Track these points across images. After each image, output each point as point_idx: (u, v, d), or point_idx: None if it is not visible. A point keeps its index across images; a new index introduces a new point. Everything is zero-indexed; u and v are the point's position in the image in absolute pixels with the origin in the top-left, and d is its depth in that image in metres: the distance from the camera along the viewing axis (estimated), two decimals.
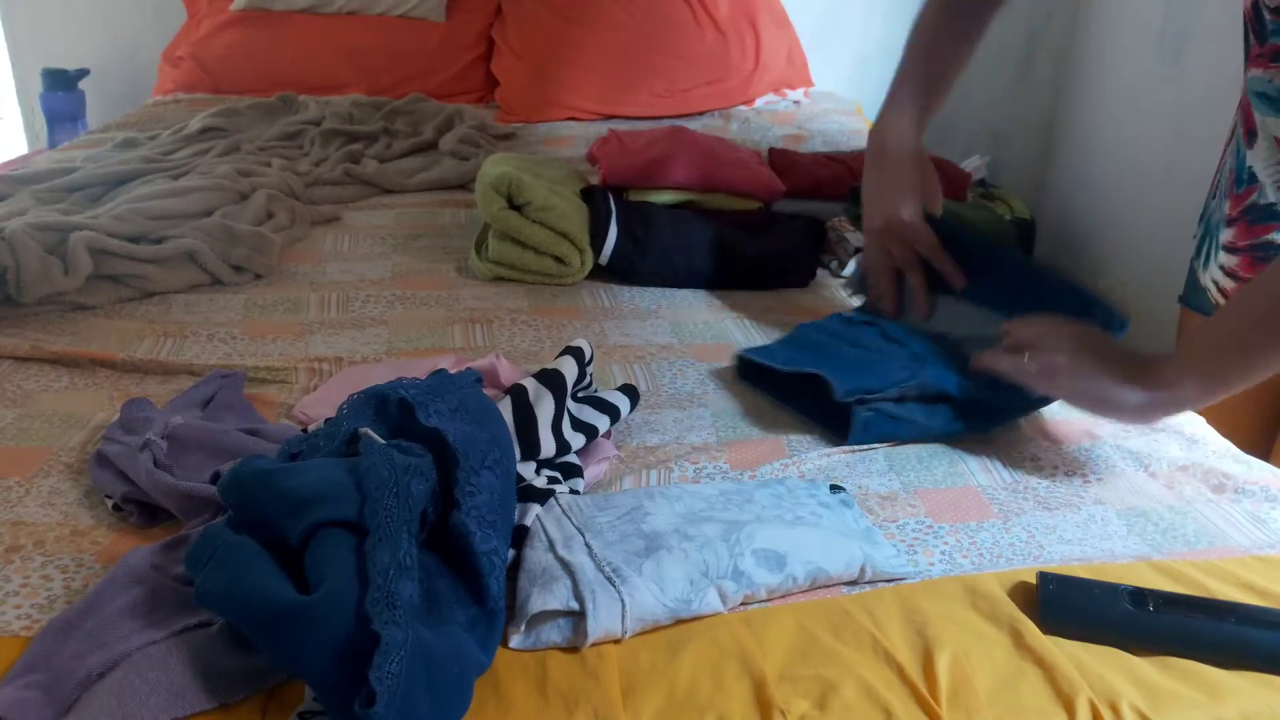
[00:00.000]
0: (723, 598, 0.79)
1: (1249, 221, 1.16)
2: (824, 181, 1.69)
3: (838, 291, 1.48)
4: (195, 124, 2.00)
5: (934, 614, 0.79)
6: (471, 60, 2.53)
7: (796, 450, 1.03)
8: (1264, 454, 1.16)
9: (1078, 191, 2.80)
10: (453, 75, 2.50)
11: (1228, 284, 1.22)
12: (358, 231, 1.65)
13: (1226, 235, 1.20)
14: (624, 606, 0.75)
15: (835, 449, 1.03)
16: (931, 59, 1.20)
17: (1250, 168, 1.15)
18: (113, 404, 1.07)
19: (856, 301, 1.15)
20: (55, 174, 1.69)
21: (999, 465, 1.02)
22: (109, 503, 0.89)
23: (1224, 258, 1.21)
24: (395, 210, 1.76)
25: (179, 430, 0.92)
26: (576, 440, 0.96)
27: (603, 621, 0.74)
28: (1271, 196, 1.13)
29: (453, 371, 0.90)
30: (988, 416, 1.06)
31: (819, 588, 0.82)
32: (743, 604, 0.80)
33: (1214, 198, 1.26)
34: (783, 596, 0.81)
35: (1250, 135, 1.15)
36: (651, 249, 1.46)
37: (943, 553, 0.88)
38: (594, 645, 0.74)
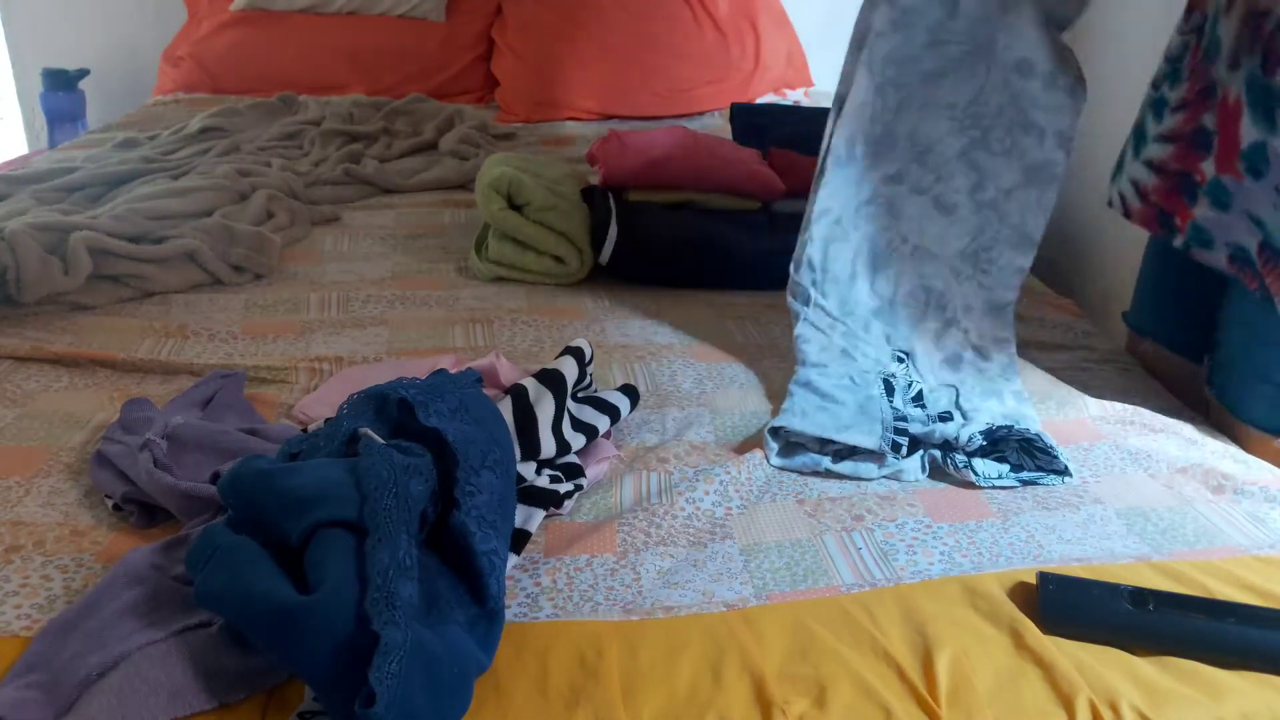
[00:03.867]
0: None
1: (1196, 102, 1.13)
2: None
3: None
4: (195, 124, 2.00)
5: (934, 614, 0.79)
6: (471, 60, 2.53)
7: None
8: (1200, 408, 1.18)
9: (1078, 192, 2.80)
10: (453, 75, 2.51)
11: (1149, 180, 1.18)
12: (358, 231, 1.65)
13: (1171, 122, 1.16)
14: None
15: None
16: None
17: (1219, 37, 1.11)
18: (113, 404, 1.07)
19: None
20: (55, 174, 1.69)
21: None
22: (109, 503, 0.89)
23: (1153, 149, 1.18)
24: (395, 210, 1.76)
25: (179, 430, 0.92)
26: (577, 440, 0.96)
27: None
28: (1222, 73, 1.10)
29: (453, 371, 0.90)
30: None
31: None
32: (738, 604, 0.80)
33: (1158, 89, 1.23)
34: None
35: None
36: (651, 249, 1.46)
37: (942, 553, 0.88)
38: (596, 639, 0.74)
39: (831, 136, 1.17)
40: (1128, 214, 1.24)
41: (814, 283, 1.17)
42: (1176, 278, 1.30)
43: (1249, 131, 1.03)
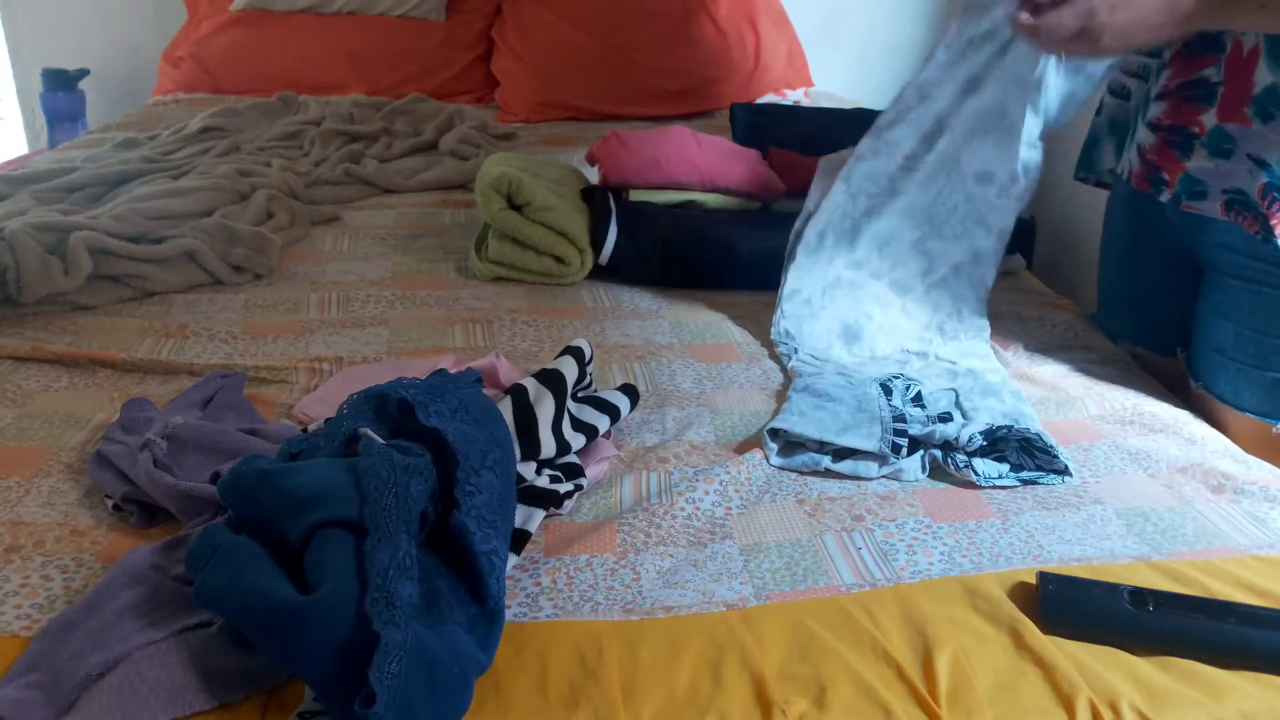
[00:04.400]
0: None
1: (1187, 56, 1.14)
2: None
3: None
4: (195, 124, 2.00)
5: (934, 614, 0.79)
6: (471, 60, 2.53)
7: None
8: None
9: (1078, 192, 2.80)
10: (453, 75, 2.51)
11: (1150, 140, 1.19)
12: (358, 231, 1.65)
13: (1161, 80, 1.18)
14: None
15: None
16: None
17: None
18: (113, 404, 1.07)
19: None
20: (55, 174, 1.69)
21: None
22: (109, 503, 0.89)
23: (1152, 109, 1.19)
24: (395, 210, 1.76)
25: (179, 430, 0.92)
26: (577, 440, 0.96)
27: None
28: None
29: (453, 371, 0.90)
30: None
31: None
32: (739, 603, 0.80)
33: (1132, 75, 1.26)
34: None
35: None
36: (652, 249, 1.46)
37: (942, 553, 0.88)
38: (596, 639, 0.74)
39: (803, 230, 1.30)
40: (1129, 178, 1.25)
41: (794, 349, 1.26)
42: (1141, 275, 1.31)
43: (1263, 77, 1.06)
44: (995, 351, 1.27)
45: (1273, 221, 1.05)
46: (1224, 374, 1.15)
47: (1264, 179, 1.06)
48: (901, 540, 0.90)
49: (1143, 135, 1.21)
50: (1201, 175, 1.12)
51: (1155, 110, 1.18)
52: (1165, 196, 1.17)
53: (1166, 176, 1.16)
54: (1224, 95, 1.09)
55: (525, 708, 0.69)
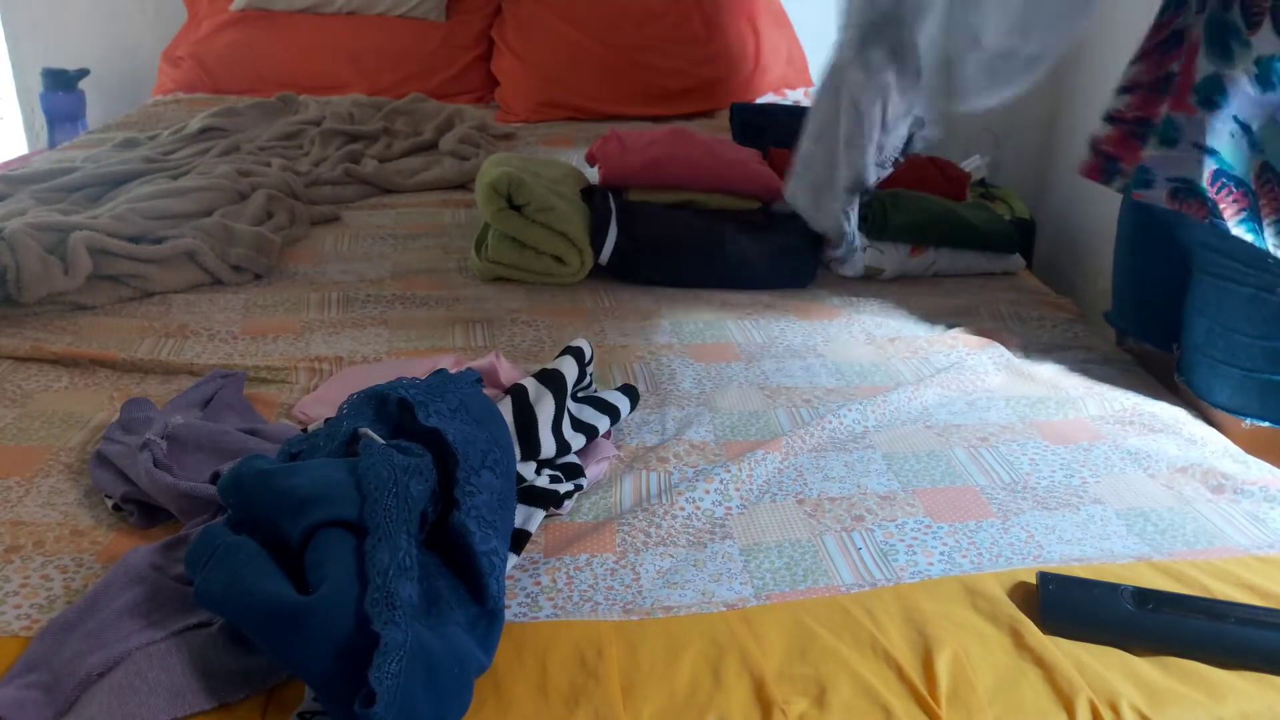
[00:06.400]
0: None
1: (1160, 52, 1.15)
2: None
3: (837, 290, 1.48)
4: (195, 124, 2.00)
5: (934, 614, 0.79)
6: (471, 60, 2.53)
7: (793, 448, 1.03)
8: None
9: (1078, 191, 2.80)
10: (453, 75, 2.51)
11: (1104, 132, 1.22)
12: (358, 231, 1.65)
13: (1130, 74, 1.20)
14: None
15: (829, 447, 1.03)
16: None
17: None
18: (113, 404, 1.07)
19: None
20: (55, 174, 1.69)
21: (998, 465, 1.02)
22: (109, 503, 0.89)
23: (1111, 102, 1.21)
24: (395, 210, 1.76)
25: (179, 430, 0.92)
26: (577, 440, 0.96)
27: None
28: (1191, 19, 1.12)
29: (453, 371, 0.90)
30: None
31: None
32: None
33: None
34: None
35: None
36: (651, 249, 1.46)
37: (942, 553, 0.88)
38: (596, 639, 0.74)
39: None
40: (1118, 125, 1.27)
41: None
42: (1146, 271, 1.32)
43: (1203, 66, 1.08)
44: (995, 350, 1.26)
45: (1221, 206, 1.06)
46: (1199, 369, 1.16)
47: (1213, 165, 1.07)
48: (901, 540, 0.89)
49: (1098, 127, 1.24)
50: (1150, 164, 1.15)
51: (1119, 103, 1.21)
52: (1118, 185, 1.21)
53: (1125, 166, 1.19)
54: (1178, 85, 1.12)
55: (525, 708, 0.69)
